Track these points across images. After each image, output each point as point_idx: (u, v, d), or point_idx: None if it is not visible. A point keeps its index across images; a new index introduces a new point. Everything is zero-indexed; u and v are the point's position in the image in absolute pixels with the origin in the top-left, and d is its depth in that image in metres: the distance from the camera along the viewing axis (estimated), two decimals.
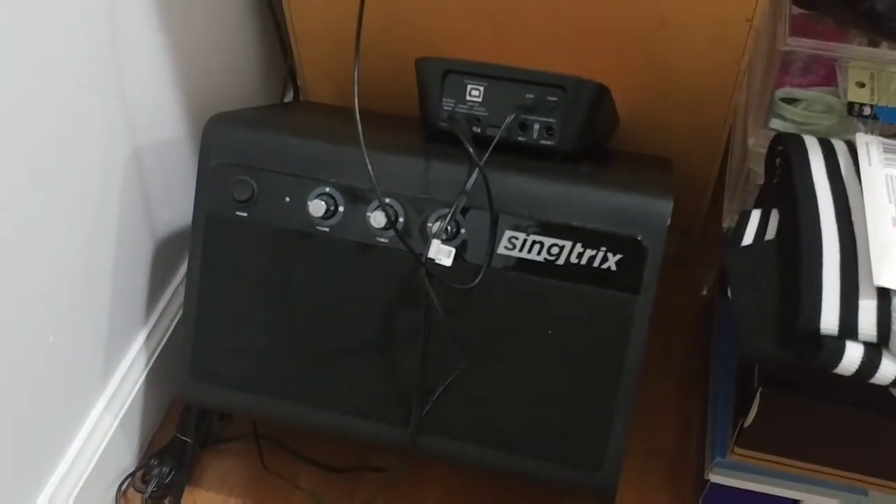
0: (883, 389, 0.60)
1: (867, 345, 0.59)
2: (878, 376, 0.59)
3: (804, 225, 0.65)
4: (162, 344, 0.94)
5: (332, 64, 0.98)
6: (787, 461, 0.74)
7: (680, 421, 0.94)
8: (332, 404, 0.76)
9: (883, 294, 0.60)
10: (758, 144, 0.83)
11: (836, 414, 0.67)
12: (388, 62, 0.93)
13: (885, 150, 0.70)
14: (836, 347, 0.59)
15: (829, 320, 0.59)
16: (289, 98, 1.11)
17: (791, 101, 0.86)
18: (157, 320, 0.93)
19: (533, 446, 0.73)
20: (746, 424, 0.70)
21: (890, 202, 0.65)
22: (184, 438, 0.89)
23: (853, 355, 0.59)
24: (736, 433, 0.73)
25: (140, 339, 0.91)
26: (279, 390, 0.77)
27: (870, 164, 0.68)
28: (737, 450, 0.74)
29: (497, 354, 0.73)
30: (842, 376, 0.60)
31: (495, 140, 0.72)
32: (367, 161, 0.68)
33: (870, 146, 0.70)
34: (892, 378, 0.58)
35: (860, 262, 0.62)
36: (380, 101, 0.95)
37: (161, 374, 0.94)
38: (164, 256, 0.93)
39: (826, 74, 0.87)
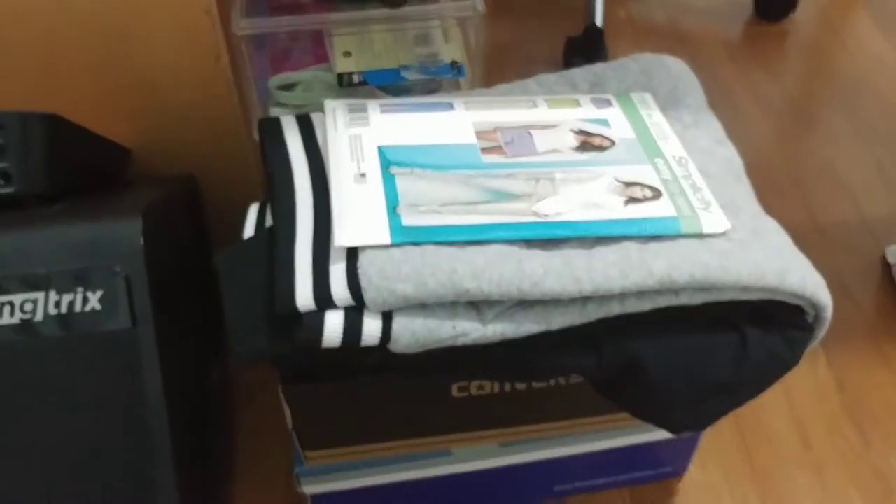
0: (384, 352, 0.57)
1: (347, 310, 0.56)
2: (364, 338, 0.55)
3: (278, 206, 0.62)
4: None
5: None
6: (364, 448, 0.70)
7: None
8: None
9: (351, 254, 0.57)
10: None
11: (373, 390, 0.64)
12: None
13: (351, 111, 0.68)
14: (315, 321, 0.55)
15: (305, 296, 0.55)
16: None
17: (291, 86, 0.83)
18: None
19: None
20: (290, 427, 0.65)
21: (353, 160, 0.63)
22: None
23: (333, 325, 0.55)
24: (297, 437, 0.68)
25: None
26: None
27: (335, 129, 0.66)
28: (308, 454, 0.69)
29: (7, 441, 0.63)
30: (349, 351, 0.56)
31: None
32: None
33: (336, 111, 0.68)
34: (378, 336, 0.55)
35: (332, 227, 0.59)
36: None
37: None
38: None
39: (323, 52, 0.86)
